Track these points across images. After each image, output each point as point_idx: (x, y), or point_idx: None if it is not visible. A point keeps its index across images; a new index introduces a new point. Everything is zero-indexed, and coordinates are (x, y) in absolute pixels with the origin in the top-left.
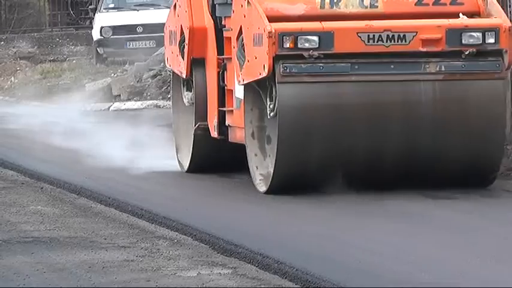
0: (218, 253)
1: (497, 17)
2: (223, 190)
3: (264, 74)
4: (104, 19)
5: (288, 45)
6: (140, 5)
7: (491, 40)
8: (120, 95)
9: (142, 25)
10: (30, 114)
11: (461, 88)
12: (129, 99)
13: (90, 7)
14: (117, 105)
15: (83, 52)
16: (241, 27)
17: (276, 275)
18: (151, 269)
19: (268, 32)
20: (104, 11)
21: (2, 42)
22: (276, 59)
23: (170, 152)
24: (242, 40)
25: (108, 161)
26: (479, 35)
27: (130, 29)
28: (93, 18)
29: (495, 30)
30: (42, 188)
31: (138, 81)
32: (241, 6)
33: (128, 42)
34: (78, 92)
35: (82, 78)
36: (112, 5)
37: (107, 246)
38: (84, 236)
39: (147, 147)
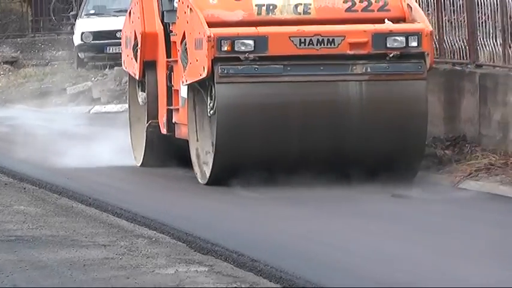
0: (195, 251)
1: (420, 22)
2: (196, 189)
3: (204, 75)
4: (84, 25)
5: (225, 49)
6: (120, 11)
7: (414, 44)
8: (100, 98)
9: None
10: (13, 117)
11: (386, 88)
12: (109, 102)
13: (71, 13)
14: (97, 108)
15: (64, 57)
16: (184, 32)
17: (251, 273)
18: (130, 267)
19: (208, 37)
20: (84, 17)
21: None
22: (215, 61)
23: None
24: (185, 44)
25: (88, 162)
26: (403, 39)
27: (110, 34)
28: (74, 24)
29: (418, 34)
30: (24, 188)
31: (117, 85)
32: (185, 12)
33: (108, 47)
34: (60, 96)
35: (63, 82)
36: (92, 11)
37: (88, 244)
38: (65, 234)
39: (124, 148)
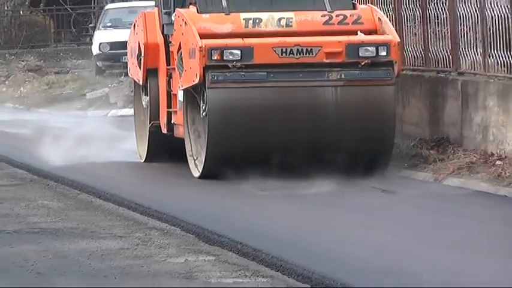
0: (203, 242)
1: (389, 34)
2: (200, 184)
3: (197, 81)
4: (102, 36)
5: (215, 58)
6: None
7: (384, 53)
8: (116, 103)
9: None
10: (38, 120)
11: (358, 93)
12: (124, 107)
13: (90, 25)
14: (114, 111)
15: (84, 65)
16: (180, 43)
17: (254, 261)
18: (144, 256)
19: (199, 47)
20: (102, 29)
21: (13, 57)
22: (206, 69)
23: None
24: (181, 53)
25: (104, 159)
26: (374, 49)
27: (126, 44)
28: (92, 35)
29: (387, 45)
30: (48, 184)
31: (132, 91)
32: (180, 25)
33: (123, 57)
34: (80, 101)
35: (83, 88)
36: (109, 24)
37: (105, 236)
38: (85, 227)
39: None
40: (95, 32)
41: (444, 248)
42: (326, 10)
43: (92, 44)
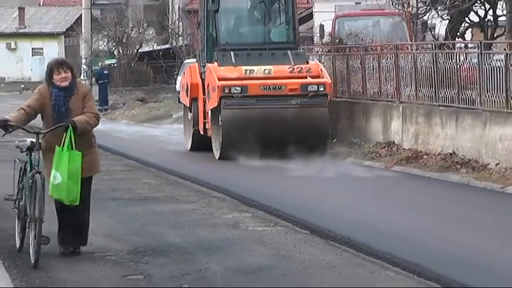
0: (244, 205)
1: (325, 78)
2: (222, 163)
3: (216, 105)
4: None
5: (226, 92)
6: None
7: (322, 89)
8: None
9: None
10: (142, 130)
11: (307, 111)
12: None
13: (175, 72)
14: None
15: (171, 97)
16: (208, 83)
17: (274, 217)
18: (207, 214)
19: (218, 86)
20: (181, 74)
21: (127, 91)
22: (221, 98)
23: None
24: (209, 89)
25: (177, 149)
26: (316, 86)
27: None
28: (176, 78)
29: (323, 84)
30: (149, 170)
31: (183, 111)
32: (209, 73)
33: None
34: (168, 118)
35: (171, 110)
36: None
37: (184, 201)
38: (171, 196)
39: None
40: (178, 77)
41: (390, 206)
42: (291, 64)
43: (175, 84)
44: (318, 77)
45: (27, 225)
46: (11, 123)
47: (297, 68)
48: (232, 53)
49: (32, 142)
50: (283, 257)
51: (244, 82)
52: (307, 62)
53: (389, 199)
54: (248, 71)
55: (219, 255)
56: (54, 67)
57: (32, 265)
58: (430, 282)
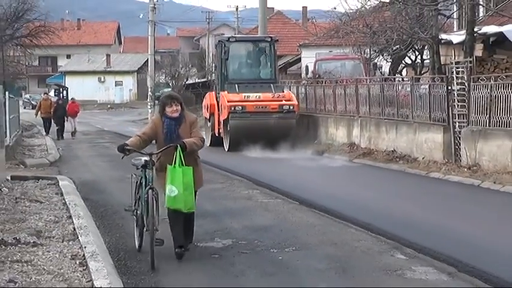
0: (255, 184)
1: (294, 101)
2: (230, 154)
3: (226, 117)
4: None
5: (233, 109)
6: None
7: (292, 108)
8: None
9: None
10: None
11: (283, 122)
12: None
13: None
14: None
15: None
16: (221, 103)
17: (279, 194)
18: (231, 190)
19: (227, 105)
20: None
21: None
22: (229, 113)
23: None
24: (221, 107)
25: (205, 149)
26: (288, 106)
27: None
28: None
29: (293, 105)
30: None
31: (204, 121)
32: (221, 97)
33: None
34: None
35: (201, 122)
36: None
37: (216, 182)
38: (210, 179)
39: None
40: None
41: (352, 185)
42: (272, 92)
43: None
44: (289, 100)
45: (144, 231)
46: (128, 148)
47: (277, 95)
48: (236, 85)
49: (145, 161)
50: (281, 219)
51: (244, 103)
52: (283, 91)
53: (352, 180)
54: (246, 96)
55: (239, 218)
56: (167, 101)
57: (149, 265)
58: (380, 236)
